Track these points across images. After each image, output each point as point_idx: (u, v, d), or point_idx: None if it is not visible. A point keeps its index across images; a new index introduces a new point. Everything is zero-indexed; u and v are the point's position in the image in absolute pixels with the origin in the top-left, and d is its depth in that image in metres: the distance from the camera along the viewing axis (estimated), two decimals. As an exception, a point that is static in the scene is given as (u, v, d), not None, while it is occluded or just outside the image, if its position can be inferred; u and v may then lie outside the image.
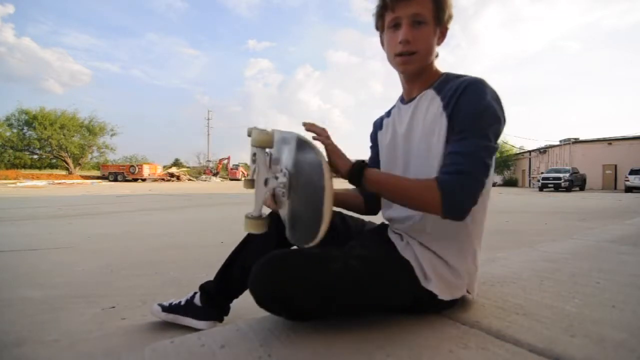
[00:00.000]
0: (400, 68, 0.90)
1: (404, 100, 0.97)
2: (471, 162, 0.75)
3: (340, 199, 1.08)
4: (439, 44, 0.90)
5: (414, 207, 0.80)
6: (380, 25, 0.92)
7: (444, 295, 0.86)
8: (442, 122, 0.82)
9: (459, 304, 0.99)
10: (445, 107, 0.83)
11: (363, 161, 0.84)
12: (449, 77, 0.88)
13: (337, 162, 0.84)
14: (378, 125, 1.09)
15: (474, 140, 0.77)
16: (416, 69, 0.89)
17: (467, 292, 0.92)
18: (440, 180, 0.75)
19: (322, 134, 0.86)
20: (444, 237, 0.87)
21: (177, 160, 50.35)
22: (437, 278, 0.85)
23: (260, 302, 0.78)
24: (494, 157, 0.80)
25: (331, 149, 0.84)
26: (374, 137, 1.10)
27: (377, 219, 1.12)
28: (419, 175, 0.85)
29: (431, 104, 0.87)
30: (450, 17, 0.88)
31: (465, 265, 0.88)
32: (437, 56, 0.92)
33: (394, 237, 0.94)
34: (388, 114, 1.05)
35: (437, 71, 0.93)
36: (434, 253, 0.87)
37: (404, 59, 0.87)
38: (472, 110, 0.78)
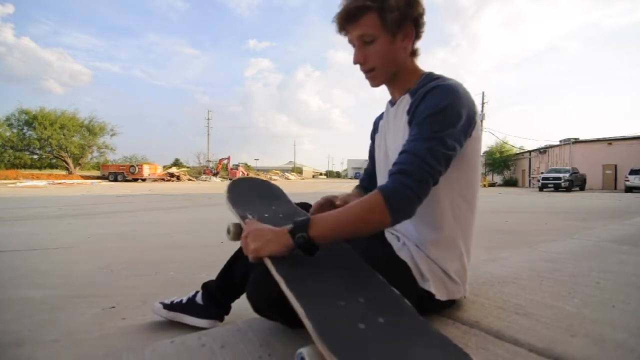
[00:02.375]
0: (370, 83, 0.94)
1: (392, 103, 0.99)
2: (415, 163, 0.74)
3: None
4: (406, 45, 0.89)
5: (369, 228, 0.74)
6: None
7: (441, 295, 0.86)
8: (405, 126, 0.85)
9: (459, 304, 1.00)
10: (408, 111, 0.85)
11: (302, 221, 0.74)
12: (427, 79, 0.88)
13: (260, 244, 0.73)
14: (375, 126, 1.12)
15: (423, 142, 0.76)
16: (383, 81, 0.93)
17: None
18: (381, 187, 0.74)
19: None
20: (430, 238, 0.87)
21: (177, 160, 50.36)
22: (433, 278, 0.86)
23: (258, 309, 0.78)
24: (443, 160, 0.76)
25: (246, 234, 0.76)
26: (372, 136, 1.13)
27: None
28: None
29: (405, 108, 0.88)
30: (404, 17, 0.85)
31: (454, 266, 0.89)
32: (414, 54, 0.93)
33: (390, 238, 0.94)
34: (382, 116, 1.08)
35: (416, 71, 0.93)
36: (426, 254, 0.87)
37: (366, 76, 0.92)
38: (427, 112, 0.78)
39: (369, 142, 1.17)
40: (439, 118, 0.77)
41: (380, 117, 1.09)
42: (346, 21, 0.86)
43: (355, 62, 0.89)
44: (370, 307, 0.69)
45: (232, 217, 0.97)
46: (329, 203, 1.04)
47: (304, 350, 0.59)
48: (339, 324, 0.62)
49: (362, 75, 0.93)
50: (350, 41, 0.89)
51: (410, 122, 0.83)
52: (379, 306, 0.70)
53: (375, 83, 0.93)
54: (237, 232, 0.92)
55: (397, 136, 0.90)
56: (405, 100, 0.90)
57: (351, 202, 0.76)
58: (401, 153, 0.78)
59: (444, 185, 0.84)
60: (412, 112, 0.83)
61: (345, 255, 0.86)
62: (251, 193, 1.13)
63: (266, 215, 0.99)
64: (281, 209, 1.07)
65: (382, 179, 1.03)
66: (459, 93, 0.80)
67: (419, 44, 0.92)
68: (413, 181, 0.73)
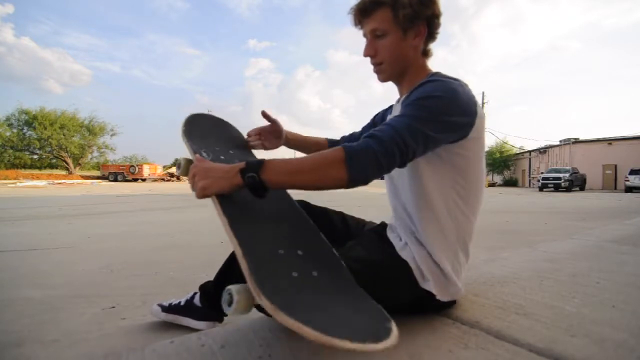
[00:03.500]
0: (377, 77, 0.95)
1: (398, 99, 1.00)
2: (389, 134, 0.70)
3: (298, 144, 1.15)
4: (418, 43, 0.89)
5: (322, 181, 0.70)
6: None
7: (441, 295, 0.86)
8: None
9: (459, 304, 1.00)
10: (402, 101, 0.86)
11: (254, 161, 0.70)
12: (429, 78, 0.87)
13: (206, 181, 0.70)
14: (379, 118, 1.14)
15: (405, 118, 0.73)
16: (389, 77, 0.94)
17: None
18: (346, 145, 0.71)
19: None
20: (430, 239, 0.87)
21: (177, 160, 50.33)
22: (434, 278, 0.86)
23: (259, 307, 0.78)
24: (421, 140, 0.72)
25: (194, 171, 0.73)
26: (365, 125, 1.18)
27: (378, 218, 1.12)
28: (402, 175, 0.89)
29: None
30: (417, 14, 0.85)
31: (452, 266, 0.88)
32: (426, 54, 0.93)
33: (392, 237, 0.94)
34: (387, 110, 1.11)
35: (425, 70, 0.93)
36: (427, 255, 0.87)
37: (374, 70, 0.93)
38: (418, 96, 0.77)
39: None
40: (428, 102, 0.76)
41: (384, 111, 1.14)
42: (361, 14, 0.89)
43: (365, 55, 0.91)
44: (307, 260, 0.70)
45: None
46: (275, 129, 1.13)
47: (232, 287, 0.61)
48: (274, 268, 0.64)
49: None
50: (364, 35, 0.91)
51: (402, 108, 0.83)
52: (315, 261, 0.72)
53: (382, 77, 0.94)
54: (186, 168, 0.85)
55: None
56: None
57: (311, 154, 0.75)
58: (382, 124, 0.76)
59: (442, 185, 0.84)
60: (406, 99, 0.83)
61: (291, 208, 0.87)
62: (211, 132, 1.06)
63: (222, 157, 0.93)
64: (239, 154, 1.02)
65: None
66: (457, 91, 0.79)
67: (432, 45, 0.93)
68: (380, 148, 0.69)
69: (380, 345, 0.54)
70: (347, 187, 0.71)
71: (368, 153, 0.69)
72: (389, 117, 0.98)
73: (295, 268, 0.66)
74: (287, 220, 0.83)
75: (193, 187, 0.72)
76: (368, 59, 0.94)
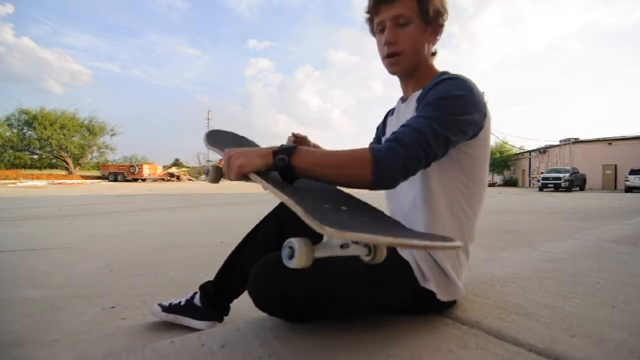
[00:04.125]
0: (389, 69, 0.91)
1: (403, 100, 0.98)
2: (413, 137, 0.71)
3: None
4: (432, 41, 0.90)
5: (349, 178, 0.71)
6: (371, 30, 0.94)
7: (442, 295, 0.86)
8: (413, 114, 0.82)
9: (458, 304, 1.00)
10: (419, 99, 0.84)
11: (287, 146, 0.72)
12: (443, 76, 0.87)
13: (241, 161, 0.71)
14: (385, 120, 1.13)
15: (426, 119, 0.73)
16: (404, 69, 0.90)
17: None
18: (373, 147, 0.71)
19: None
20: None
21: (177, 160, 50.39)
22: (435, 278, 0.86)
23: (260, 305, 0.78)
24: (442, 142, 0.73)
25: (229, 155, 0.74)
26: (381, 130, 1.14)
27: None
28: (414, 177, 0.87)
29: (416, 98, 0.87)
30: (440, 13, 0.87)
31: (453, 265, 0.88)
32: (434, 54, 0.93)
33: None
34: (392, 111, 1.08)
35: (433, 70, 0.93)
36: (427, 254, 0.87)
37: (390, 60, 0.89)
38: (438, 96, 0.77)
39: (369, 142, 1.17)
40: (448, 103, 0.75)
41: (390, 113, 1.09)
42: (383, 0, 0.85)
43: (386, 42, 0.86)
44: (352, 212, 0.72)
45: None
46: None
47: (292, 239, 0.61)
48: (325, 210, 0.66)
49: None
50: (379, 23, 0.88)
51: (417, 108, 0.81)
52: (360, 212, 0.74)
53: (397, 69, 0.90)
54: (216, 174, 0.88)
55: None
56: (418, 95, 0.88)
57: (341, 150, 0.74)
58: (402, 126, 0.75)
59: (447, 184, 0.84)
60: (422, 98, 0.81)
61: (325, 187, 0.87)
62: (233, 142, 1.11)
63: None
64: None
65: None
66: (474, 90, 0.79)
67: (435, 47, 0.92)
68: (407, 152, 0.70)
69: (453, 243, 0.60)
70: (372, 188, 0.71)
71: (394, 157, 0.69)
72: (394, 119, 0.98)
73: (345, 216, 0.68)
74: (327, 191, 0.84)
75: (229, 168, 0.72)
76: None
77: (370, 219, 0.72)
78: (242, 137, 1.20)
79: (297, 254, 0.59)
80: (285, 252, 0.61)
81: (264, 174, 0.72)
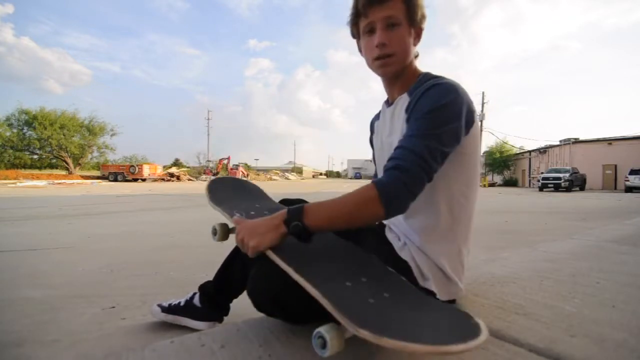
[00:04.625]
0: (380, 71, 0.91)
1: (388, 103, 0.99)
2: (411, 159, 0.73)
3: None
4: (415, 44, 0.90)
5: (362, 219, 0.74)
6: (355, 33, 0.93)
7: (442, 295, 0.86)
8: (404, 125, 0.84)
9: (458, 304, 0.99)
10: (407, 109, 0.85)
11: (295, 205, 0.75)
12: (426, 78, 0.88)
13: (257, 231, 0.74)
14: (372, 129, 1.11)
15: (420, 138, 0.75)
16: (395, 71, 0.90)
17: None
18: (376, 180, 0.75)
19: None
20: (428, 236, 0.88)
21: (177, 160, 50.30)
22: (434, 278, 0.86)
23: (259, 306, 0.78)
24: (439, 157, 0.76)
25: (242, 226, 0.77)
26: (371, 141, 1.13)
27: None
28: None
29: (403, 107, 0.88)
30: (423, 17, 0.88)
31: (452, 265, 0.89)
32: (416, 56, 0.93)
33: (391, 238, 0.94)
34: (377, 116, 1.07)
35: (416, 72, 0.93)
36: (425, 254, 0.87)
37: (382, 62, 0.88)
38: (427, 108, 0.78)
39: (369, 141, 1.17)
40: (438, 115, 0.77)
41: (376, 118, 1.09)
42: (373, 1, 0.84)
43: (378, 44, 0.86)
44: (374, 285, 0.73)
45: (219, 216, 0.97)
46: None
47: (321, 329, 0.60)
48: (353, 300, 0.65)
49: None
50: (368, 24, 0.87)
51: (408, 120, 0.83)
52: (381, 283, 0.74)
53: (388, 70, 0.90)
54: (224, 232, 0.92)
55: (396, 135, 0.90)
56: (404, 100, 0.89)
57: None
58: (397, 148, 0.78)
59: (442, 183, 0.84)
60: (410, 109, 0.83)
61: (336, 241, 0.89)
62: (233, 192, 1.13)
63: (252, 212, 0.99)
64: (265, 206, 1.07)
65: None
66: (459, 91, 0.80)
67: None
68: (408, 177, 0.73)
69: (474, 343, 0.55)
70: (385, 219, 0.76)
71: (399, 186, 0.72)
72: (388, 127, 0.96)
73: (369, 295, 0.68)
74: (336, 252, 0.85)
75: (244, 248, 0.75)
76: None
77: (392, 294, 0.70)
78: (240, 180, 1.23)
79: (329, 344, 0.59)
80: (315, 342, 0.60)
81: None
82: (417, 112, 0.79)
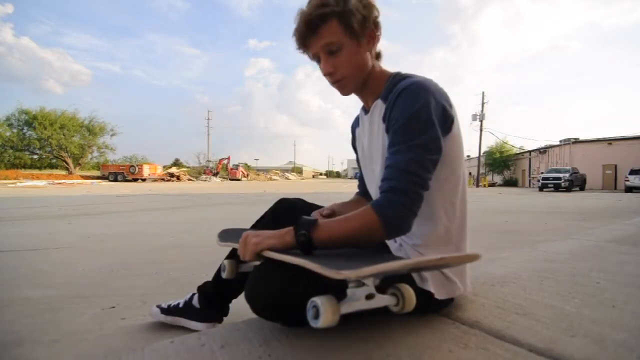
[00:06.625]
0: (341, 93, 0.91)
1: (365, 110, 0.97)
2: (403, 178, 0.74)
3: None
4: (371, 48, 0.88)
5: (366, 241, 0.77)
6: (310, 58, 0.91)
7: (440, 294, 0.86)
8: (383, 134, 0.85)
9: (459, 304, 1.00)
10: (384, 118, 0.85)
11: (305, 222, 0.75)
12: (396, 80, 0.87)
13: (267, 242, 0.76)
14: (353, 133, 1.10)
15: (404, 154, 0.76)
16: (354, 88, 0.91)
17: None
18: (374, 204, 0.75)
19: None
20: (424, 237, 0.88)
21: (177, 160, 50.31)
22: (432, 278, 0.86)
23: (257, 311, 0.78)
24: (430, 166, 0.77)
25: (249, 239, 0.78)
26: (354, 145, 1.12)
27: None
28: None
29: (380, 115, 0.87)
30: (365, 18, 0.83)
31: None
32: (378, 57, 0.92)
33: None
34: (357, 122, 1.06)
35: (383, 75, 0.91)
36: (422, 254, 0.87)
37: (337, 86, 0.89)
38: (402, 120, 0.77)
39: (352, 146, 1.17)
40: (413, 124, 0.76)
41: (356, 124, 1.08)
42: (308, 32, 0.82)
43: (325, 74, 0.86)
44: (365, 255, 0.78)
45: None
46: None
47: (317, 298, 0.61)
48: (335, 263, 0.67)
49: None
50: (314, 55, 0.87)
51: (387, 130, 0.82)
52: (373, 252, 0.80)
53: (345, 92, 0.90)
54: (233, 269, 0.95)
55: (377, 143, 0.90)
56: (379, 107, 0.88)
57: (350, 213, 0.77)
58: (387, 167, 0.77)
59: (435, 185, 0.84)
60: (387, 119, 0.82)
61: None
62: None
63: None
64: None
65: (370, 185, 1.02)
66: (430, 89, 0.79)
67: (379, 46, 0.90)
68: (405, 198, 0.73)
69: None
70: (390, 239, 0.83)
71: (398, 207, 0.73)
72: (367, 135, 0.96)
73: (357, 262, 0.71)
74: (341, 252, 0.86)
75: (245, 247, 0.77)
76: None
77: (384, 259, 0.73)
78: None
79: (322, 314, 0.59)
80: (310, 313, 0.61)
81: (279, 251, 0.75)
82: (395, 124, 0.79)
